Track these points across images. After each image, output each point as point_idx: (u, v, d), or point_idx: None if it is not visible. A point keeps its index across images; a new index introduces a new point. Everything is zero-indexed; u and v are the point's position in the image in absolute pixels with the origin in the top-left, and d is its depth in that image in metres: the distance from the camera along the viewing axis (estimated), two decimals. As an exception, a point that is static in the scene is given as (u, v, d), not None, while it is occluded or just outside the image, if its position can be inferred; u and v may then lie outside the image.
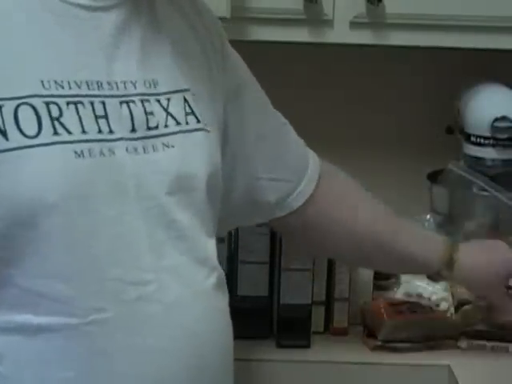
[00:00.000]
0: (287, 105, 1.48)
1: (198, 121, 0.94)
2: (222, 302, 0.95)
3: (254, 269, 1.33)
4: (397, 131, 1.72)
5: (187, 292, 0.88)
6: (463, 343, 1.37)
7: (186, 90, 0.93)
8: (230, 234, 1.36)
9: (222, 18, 1.36)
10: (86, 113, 0.84)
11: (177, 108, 0.92)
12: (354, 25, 1.44)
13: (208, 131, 0.95)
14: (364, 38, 1.45)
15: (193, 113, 0.93)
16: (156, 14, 0.94)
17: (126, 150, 0.86)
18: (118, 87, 0.87)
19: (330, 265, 1.37)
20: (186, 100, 0.93)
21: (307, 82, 1.68)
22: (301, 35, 1.44)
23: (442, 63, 1.67)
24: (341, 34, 1.44)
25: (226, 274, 1.34)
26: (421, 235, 1.21)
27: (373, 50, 1.52)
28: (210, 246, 0.95)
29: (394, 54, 1.57)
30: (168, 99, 0.91)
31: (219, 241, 1.34)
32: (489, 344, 1.37)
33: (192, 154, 0.92)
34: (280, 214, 1.10)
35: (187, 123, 0.92)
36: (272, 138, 1.09)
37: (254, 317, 1.34)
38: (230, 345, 0.94)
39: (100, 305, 0.83)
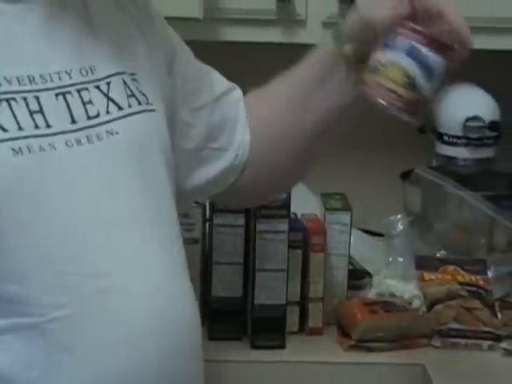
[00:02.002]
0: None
1: (140, 103, 0.92)
2: (188, 287, 0.93)
3: (228, 270, 1.33)
4: (370, 131, 1.72)
5: (151, 280, 0.86)
6: (437, 341, 1.37)
7: (123, 73, 0.92)
8: (203, 235, 1.36)
9: (194, 19, 1.36)
10: (20, 109, 0.82)
11: (118, 92, 0.90)
12: (327, 25, 1.44)
13: (153, 110, 0.94)
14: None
15: (133, 95, 0.92)
16: (85, 1, 0.92)
17: (66, 143, 0.84)
18: (52, 79, 0.85)
19: (305, 265, 1.37)
20: (125, 82, 0.91)
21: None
22: (274, 35, 1.45)
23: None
24: (314, 34, 1.45)
25: (201, 276, 1.36)
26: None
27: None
28: (172, 232, 0.93)
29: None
30: (108, 83, 0.89)
31: (193, 242, 1.35)
32: (462, 342, 1.37)
33: (138, 137, 0.90)
34: (233, 177, 1.07)
35: (130, 106, 0.91)
36: (210, 107, 1.05)
37: (228, 318, 1.34)
38: (198, 330, 0.92)
39: (59, 301, 0.81)
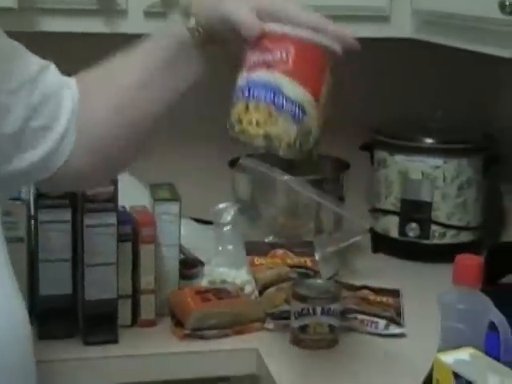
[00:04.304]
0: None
1: None
2: (21, 304, 0.91)
3: (57, 267, 1.30)
4: (197, 119, 1.73)
5: None
6: (270, 324, 1.39)
7: None
8: (29, 233, 1.32)
9: (8, 9, 1.31)
10: None
11: None
12: (149, 14, 1.43)
13: None
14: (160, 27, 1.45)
15: None
16: None
17: None
18: None
19: (135, 257, 1.36)
20: None
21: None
22: (94, 26, 1.42)
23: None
24: (136, 24, 1.43)
25: (27, 275, 1.32)
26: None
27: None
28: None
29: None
30: None
31: (18, 240, 1.30)
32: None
33: None
34: (61, 161, 1.02)
35: None
36: (28, 87, 0.99)
37: (58, 316, 1.31)
38: (31, 348, 0.91)
39: None
